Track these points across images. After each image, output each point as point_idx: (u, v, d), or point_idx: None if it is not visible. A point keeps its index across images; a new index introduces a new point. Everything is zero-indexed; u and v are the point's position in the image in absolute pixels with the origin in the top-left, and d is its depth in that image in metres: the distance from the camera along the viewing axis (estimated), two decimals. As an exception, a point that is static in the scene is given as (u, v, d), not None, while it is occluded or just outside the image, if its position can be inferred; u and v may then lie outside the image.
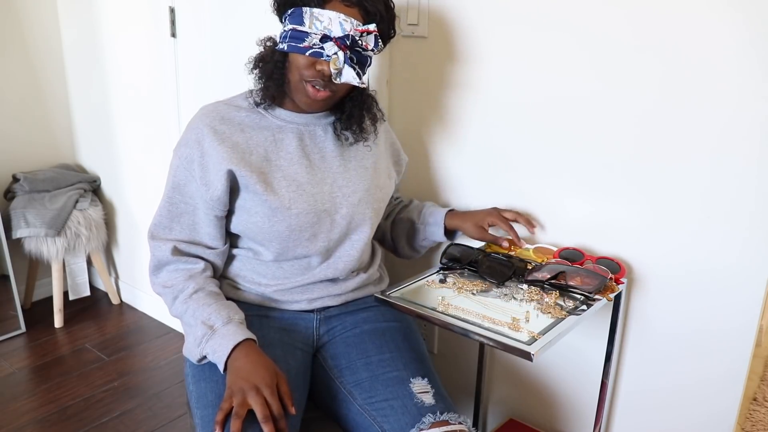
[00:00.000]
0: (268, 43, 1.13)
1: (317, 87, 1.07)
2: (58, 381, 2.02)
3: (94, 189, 2.50)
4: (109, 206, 2.52)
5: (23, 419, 1.83)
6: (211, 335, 1.04)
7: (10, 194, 2.33)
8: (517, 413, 1.49)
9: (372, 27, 1.04)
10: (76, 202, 2.34)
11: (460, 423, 1.02)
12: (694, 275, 1.14)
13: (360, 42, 1.05)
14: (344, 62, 1.04)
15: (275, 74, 1.10)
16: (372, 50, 1.07)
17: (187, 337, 1.09)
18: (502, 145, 1.35)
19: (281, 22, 1.11)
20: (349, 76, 1.05)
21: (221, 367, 1.02)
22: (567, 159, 1.26)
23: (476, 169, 1.41)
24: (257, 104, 1.14)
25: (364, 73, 1.09)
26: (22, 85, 2.38)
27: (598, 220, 1.24)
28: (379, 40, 1.08)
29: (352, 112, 1.15)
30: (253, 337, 1.05)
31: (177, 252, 1.14)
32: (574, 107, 1.22)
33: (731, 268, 1.10)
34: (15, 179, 2.34)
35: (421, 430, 1.00)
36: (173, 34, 1.99)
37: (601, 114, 1.19)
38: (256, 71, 1.13)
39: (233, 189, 1.12)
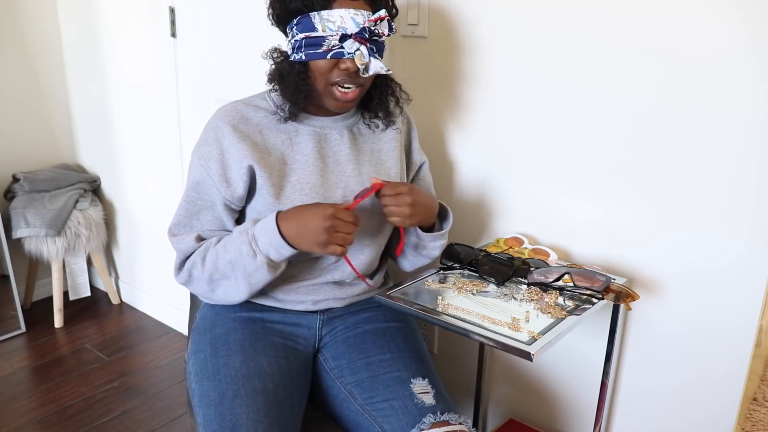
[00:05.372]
0: (275, 55, 1.11)
1: (346, 88, 1.06)
2: (58, 381, 2.02)
3: (94, 189, 2.51)
4: (109, 206, 2.52)
5: (23, 419, 1.83)
6: (254, 240, 1.04)
7: (10, 194, 2.34)
8: (517, 413, 1.49)
9: (383, 13, 1.03)
10: (76, 202, 2.34)
11: (460, 423, 1.02)
12: (694, 275, 1.14)
13: (376, 31, 1.04)
14: (369, 56, 1.04)
15: (301, 86, 1.08)
16: (388, 35, 1.07)
17: (245, 273, 1.07)
18: (502, 145, 1.35)
19: (285, 33, 1.10)
20: (376, 66, 1.04)
21: (288, 249, 1.03)
22: (567, 159, 1.26)
23: (475, 169, 1.41)
24: (286, 119, 1.12)
25: (382, 58, 1.09)
26: (22, 85, 2.38)
27: (598, 220, 1.24)
28: (393, 23, 1.07)
29: (381, 99, 1.15)
30: (276, 210, 1.06)
31: (201, 239, 1.13)
32: (574, 107, 1.22)
33: (731, 268, 1.10)
34: (15, 179, 2.34)
35: (422, 430, 1.00)
36: (173, 34, 1.99)
37: (601, 114, 1.19)
38: (278, 87, 1.11)
39: (249, 189, 1.12)
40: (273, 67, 1.11)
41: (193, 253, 1.12)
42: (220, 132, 1.10)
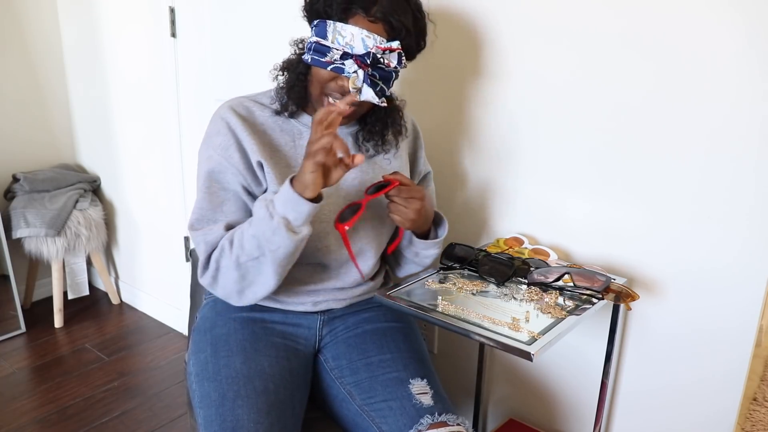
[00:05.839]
0: (299, 45, 1.11)
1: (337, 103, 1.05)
2: (58, 381, 2.03)
3: (94, 189, 2.51)
4: (109, 206, 2.52)
5: (23, 419, 1.83)
6: (271, 204, 0.97)
7: (10, 194, 2.34)
8: (517, 413, 1.49)
9: (395, 45, 1.01)
10: (76, 202, 2.34)
11: (458, 424, 1.02)
12: (693, 275, 1.14)
13: (382, 60, 1.02)
14: (363, 81, 1.01)
15: (296, 86, 1.08)
16: (395, 68, 1.04)
17: (268, 236, 0.98)
18: (502, 145, 1.35)
19: (310, 27, 1.09)
20: (368, 95, 1.02)
21: (304, 204, 0.94)
22: (567, 159, 1.26)
23: (476, 169, 1.41)
24: (278, 113, 1.12)
25: (389, 88, 1.06)
26: (22, 85, 2.39)
27: (598, 220, 1.24)
28: (403, 58, 1.04)
29: (374, 125, 1.13)
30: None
31: (231, 227, 1.06)
32: (573, 108, 1.22)
33: (731, 267, 1.10)
34: (15, 179, 2.34)
35: (420, 431, 1.00)
36: (173, 34, 1.99)
37: (601, 114, 1.19)
38: (280, 78, 1.10)
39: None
40: (290, 56, 1.11)
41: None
42: (231, 122, 1.08)
